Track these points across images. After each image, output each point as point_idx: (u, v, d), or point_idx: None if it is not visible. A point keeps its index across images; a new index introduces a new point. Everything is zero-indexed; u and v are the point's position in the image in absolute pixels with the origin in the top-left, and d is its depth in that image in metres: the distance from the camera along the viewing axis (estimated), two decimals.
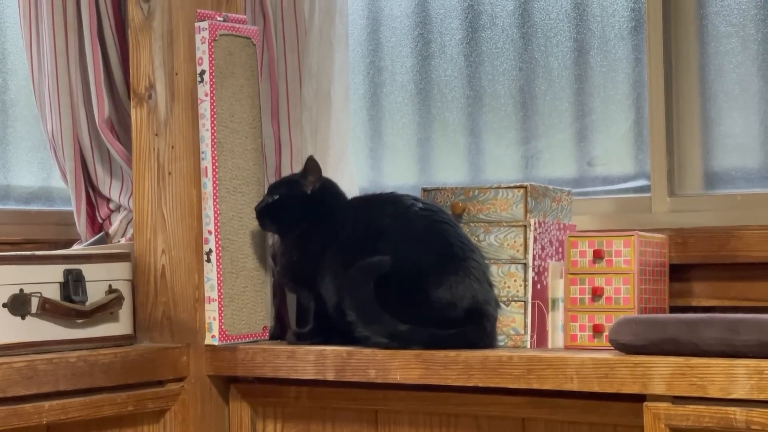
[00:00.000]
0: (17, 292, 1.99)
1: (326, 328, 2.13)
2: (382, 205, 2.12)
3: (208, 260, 2.19)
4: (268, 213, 2.19)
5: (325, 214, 2.15)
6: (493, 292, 2.05)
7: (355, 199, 2.22)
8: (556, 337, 2.11)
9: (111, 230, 2.37)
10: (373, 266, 2.00)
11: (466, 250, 2.04)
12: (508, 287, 2.10)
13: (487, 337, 2.01)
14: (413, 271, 2.01)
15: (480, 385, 1.91)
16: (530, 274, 2.09)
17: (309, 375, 2.08)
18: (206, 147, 2.19)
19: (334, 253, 2.10)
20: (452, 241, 2.04)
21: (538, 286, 2.10)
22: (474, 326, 2.00)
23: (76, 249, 2.31)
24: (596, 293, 2.01)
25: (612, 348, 1.85)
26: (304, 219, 2.15)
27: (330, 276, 2.10)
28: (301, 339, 2.17)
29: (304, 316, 2.35)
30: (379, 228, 2.07)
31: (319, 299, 2.14)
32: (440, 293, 2.00)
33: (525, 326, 2.08)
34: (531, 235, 2.09)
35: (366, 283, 1.99)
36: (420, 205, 2.09)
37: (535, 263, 2.10)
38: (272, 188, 2.22)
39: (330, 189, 2.20)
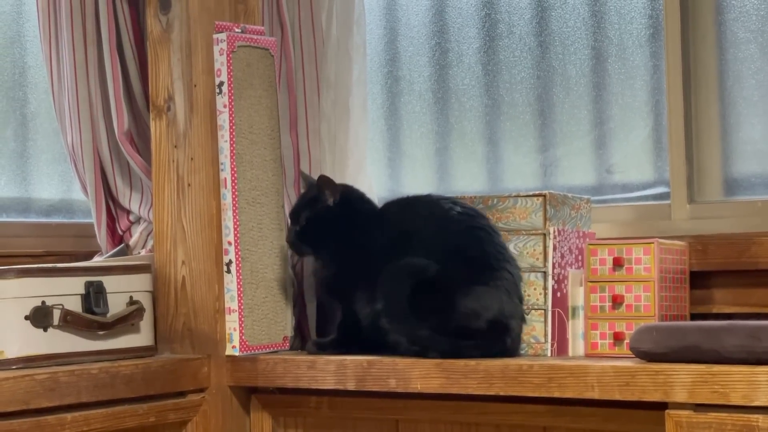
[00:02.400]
0: (39, 304, 2.00)
1: (348, 340, 2.13)
2: (418, 207, 2.10)
3: (228, 271, 2.19)
4: (300, 240, 2.16)
5: (355, 221, 2.13)
6: (521, 307, 2.04)
7: (391, 203, 2.18)
8: (577, 345, 2.10)
9: (131, 242, 2.38)
10: (418, 268, 1.98)
11: (501, 260, 2.02)
12: (528, 296, 2.09)
13: (506, 351, 2.00)
14: (443, 277, 2.00)
15: (501, 393, 1.91)
16: (550, 282, 2.09)
17: (329, 385, 2.08)
18: (225, 158, 2.19)
19: (370, 259, 2.08)
20: (488, 250, 2.02)
21: (558, 295, 2.10)
22: (494, 339, 1.99)
23: (96, 261, 2.32)
24: (616, 301, 2.01)
25: (633, 356, 1.85)
26: (335, 232, 2.13)
27: (366, 283, 2.07)
28: (322, 349, 2.17)
29: (324, 325, 2.35)
30: (414, 230, 2.05)
31: (348, 311, 2.13)
32: (467, 302, 1.99)
33: (545, 334, 2.08)
34: (550, 244, 2.09)
35: (404, 282, 1.98)
36: (458, 209, 2.06)
37: (555, 271, 2.09)
38: (294, 214, 2.18)
39: (352, 194, 2.18)
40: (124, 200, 2.38)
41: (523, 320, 2.05)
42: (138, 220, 2.39)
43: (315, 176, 2.41)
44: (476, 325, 1.98)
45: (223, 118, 2.19)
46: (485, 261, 2.01)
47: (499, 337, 1.99)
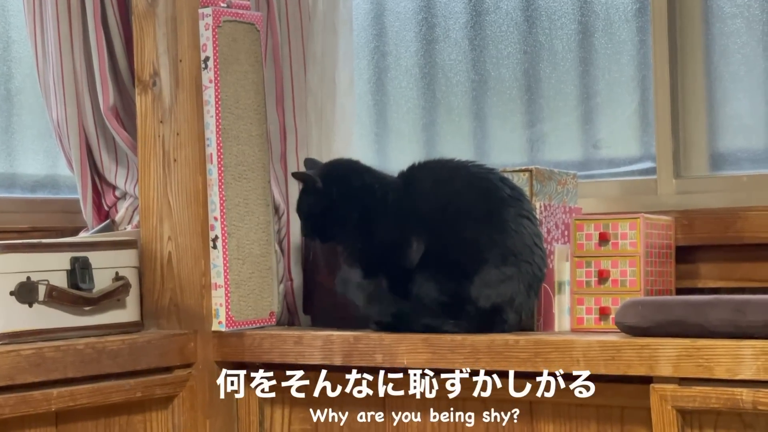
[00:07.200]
0: (24, 280, 2.00)
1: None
2: (464, 180, 2.04)
3: (215, 246, 2.19)
4: (311, 234, 2.15)
5: (348, 199, 2.10)
6: (531, 304, 2.02)
7: (423, 170, 2.12)
8: (563, 320, 2.11)
9: (117, 218, 2.37)
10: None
11: (536, 253, 1.99)
12: None
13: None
14: (473, 252, 1.98)
15: (487, 368, 1.91)
16: None
17: (316, 360, 2.09)
18: (211, 133, 2.19)
19: (414, 221, 2.04)
20: (527, 242, 1.98)
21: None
22: (487, 323, 1.97)
23: (82, 237, 2.31)
24: (602, 276, 2.01)
25: (618, 330, 1.85)
26: (334, 215, 2.11)
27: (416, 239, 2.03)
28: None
29: (311, 301, 2.35)
30: (463, 208, 2.01)
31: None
32: (483, 284, 1.97)
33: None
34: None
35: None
36: (508, 191, 2.01)
37: None
38: (298, 210, 2.16)
39: (333, 173, 2.14)
40: (109, 176, 2.38)
41: (527, 315, 2.02)
42: (124, 195, 2.38)
43: (302, 153, 2.41)
44: (481, 303, 1.97)
45: (209, 93, 2.19)
46: (521, 251, 1.97)
47: (491, 323, 1.97)
